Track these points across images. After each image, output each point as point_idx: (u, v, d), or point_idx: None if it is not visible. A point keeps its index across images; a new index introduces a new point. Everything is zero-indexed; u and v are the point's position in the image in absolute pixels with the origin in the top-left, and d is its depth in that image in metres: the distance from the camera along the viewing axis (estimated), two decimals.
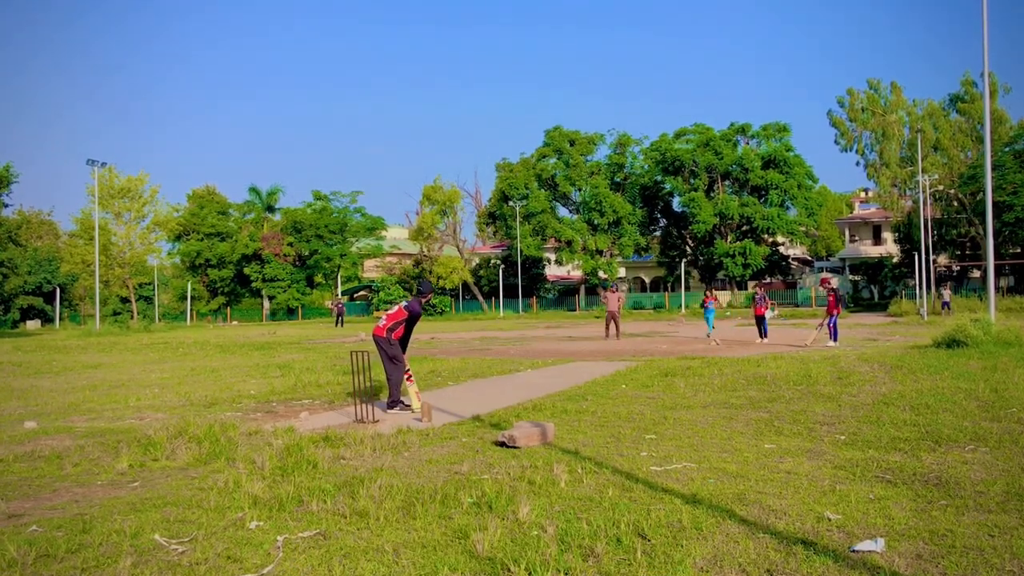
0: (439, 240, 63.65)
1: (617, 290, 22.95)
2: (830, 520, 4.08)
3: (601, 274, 57.31)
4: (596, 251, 56.61)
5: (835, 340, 17.60)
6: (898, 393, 8.77)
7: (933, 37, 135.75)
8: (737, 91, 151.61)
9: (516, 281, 57.89)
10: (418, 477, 5.27)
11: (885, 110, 53.94)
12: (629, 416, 7.72)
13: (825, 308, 18.42)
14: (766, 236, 54.31)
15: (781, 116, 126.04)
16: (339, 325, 40.60)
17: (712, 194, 54.55)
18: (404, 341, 8.62)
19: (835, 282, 19.05)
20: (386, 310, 9.39)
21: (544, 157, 59.01)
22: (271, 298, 60.29)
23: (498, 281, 58.29)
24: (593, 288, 59.90)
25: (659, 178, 56.74)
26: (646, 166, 57.61)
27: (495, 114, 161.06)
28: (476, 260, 68.31)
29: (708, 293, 20.82)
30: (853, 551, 3.60)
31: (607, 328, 22.08)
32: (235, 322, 57.35)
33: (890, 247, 59.94)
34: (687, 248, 58.19)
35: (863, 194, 72.91)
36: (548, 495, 4.69)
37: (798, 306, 51.74)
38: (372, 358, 8.56)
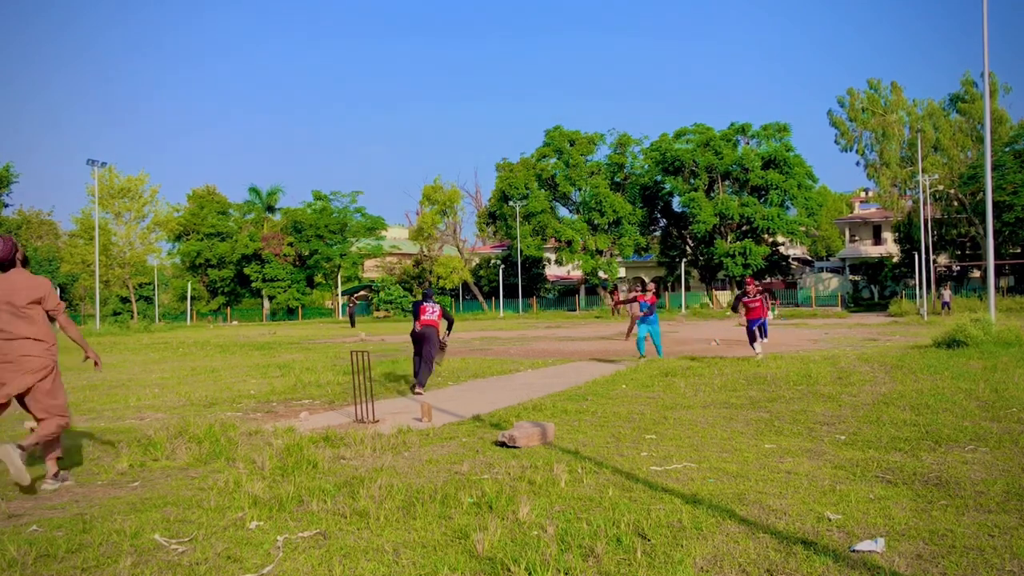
0: (439, 240, 63.66)
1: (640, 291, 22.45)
2: (830, 520, 4.07)
3: (601, 274, 57.29)
4: (596, 251, 56.60)
5: (759, 343, 14.22)
6: (898, 393, 8.77)
7: (933, 37, 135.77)
8: (737, 91, 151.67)
9: (516, 281, 57.89)
10: (418, 477, 5.27)
11: (885, 110, 53.96)
12: (629, 416, 7.72)
13: (749, 311, 14.22)
14: (766, 236, 54.29)
15: (781, 116, 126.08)
16: (353, 325, 40.38)
17: (712, 194, 54.54)
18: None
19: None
20: (430, 309, 10.89)
21: (544, 157, 59.00)
22: (271, 298, 60.29)
23: (498, 281, 58.28)
24: (593, 288, 59.95)
25: (659, 178, 56.73)
26: (646, 166, 57.59)
27: (495, 114, 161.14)
28: (476, 260, 68.32)
29: (637, 288, 14.69)
30: (853, 551, 3.60)
31: (629, 331, 21.24)
32: (235, 322, 57.34)
33: (890, 247, 59.95)
34: (687, 248, 58.18)
35: (863, 194, 72.94)
36: (548, 495, 4.69)
37: (798, 306, 51.76)
38: (372, 358, 8.57)
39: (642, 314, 14.83)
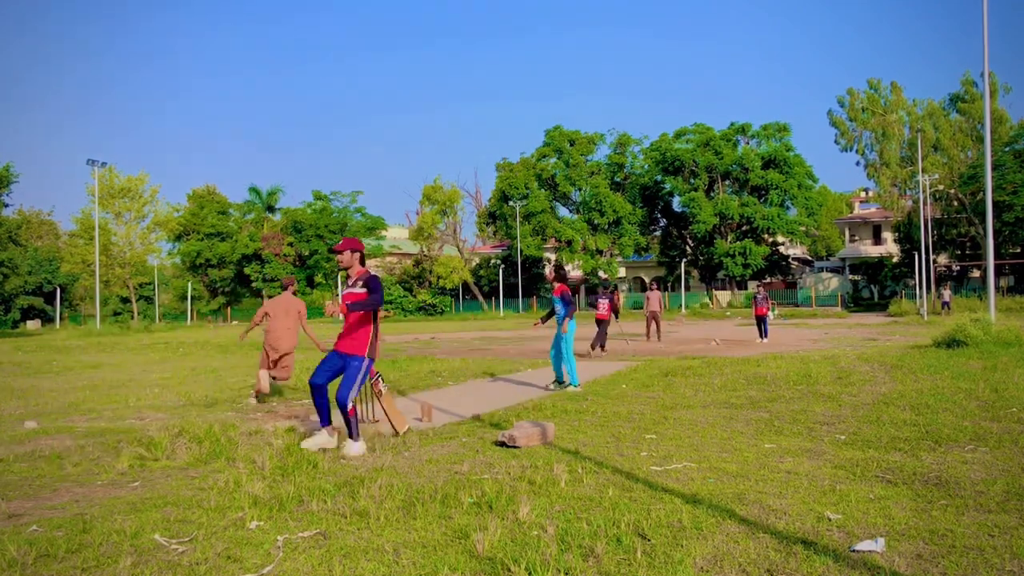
0: (439, 240, 63.67)
1: (650, 288, 22.52)
2: (830, 520, 4.07)
3: (601, 274, 57.29)
4: (596, 251, 56.63)
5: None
6: (898, 393, 8.77)
7: (933, 37, 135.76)
8: (737, 91, 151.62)
9: (516, 281, 57.91)
10: (418, 477, 5.27)
11: (885, 110, 53.96)
12: (629, 416, 7.71)
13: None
14: (766, 236, 54.31)
15: (781, 116, 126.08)
16: None
17: (712, 194, 54.55)
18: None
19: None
20: (601, 304, 16.39)
21: (544, 157, 59.04)
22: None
23: (498, 281, 58.31)
24: (593, 288, 59.98)
25: (659, 178, 56.76)
26: (646, 166, 57.63)
27: (495, 114, 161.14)
28: (476, 260, 68.34)
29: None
30: (853, 551, 3.60)
31: (648, 328, 21.47)
32: (235, 322, 57.33)
33: (890, 247, 59.95)
34: (687, 248, 58.19)
35: (863, 194, 72.95)
36: (548, 495, 4.69)
37: (798, 306, 51.76)
38: None
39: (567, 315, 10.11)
